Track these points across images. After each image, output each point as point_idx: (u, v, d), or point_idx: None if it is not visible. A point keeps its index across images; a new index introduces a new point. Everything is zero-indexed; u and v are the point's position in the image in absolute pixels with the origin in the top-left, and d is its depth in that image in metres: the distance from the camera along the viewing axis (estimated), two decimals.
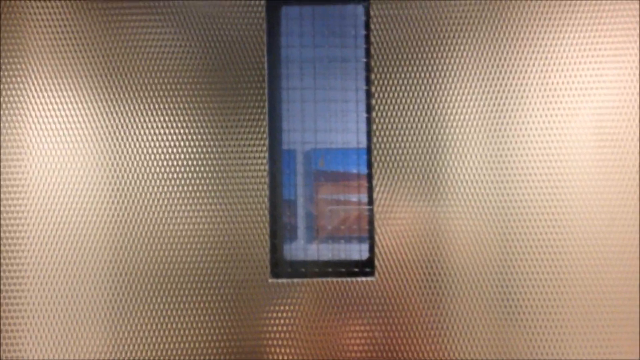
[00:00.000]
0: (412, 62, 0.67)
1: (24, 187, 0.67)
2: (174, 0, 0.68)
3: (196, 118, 0.67)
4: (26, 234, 0.67)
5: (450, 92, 0.67)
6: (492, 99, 0.67)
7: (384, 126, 0.67)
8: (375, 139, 0.67)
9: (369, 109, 0.68)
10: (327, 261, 0.68)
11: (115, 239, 0.66)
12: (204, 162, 0.67)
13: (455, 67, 0.67)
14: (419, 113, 0.67)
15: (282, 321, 0.66)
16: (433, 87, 0.67)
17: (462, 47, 0.67)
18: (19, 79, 0.68)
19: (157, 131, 0.67)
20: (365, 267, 0.68)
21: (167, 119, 0.67)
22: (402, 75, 0.67)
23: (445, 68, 0.67)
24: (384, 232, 0.66)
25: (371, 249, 0.68)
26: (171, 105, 0.67)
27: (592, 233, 0.66)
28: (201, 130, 0.67)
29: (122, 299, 0.66)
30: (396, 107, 0.67)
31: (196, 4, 0.68)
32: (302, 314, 0.66)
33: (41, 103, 0.67)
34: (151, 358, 0.66)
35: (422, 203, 0.67)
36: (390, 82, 0.67)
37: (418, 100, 0.67)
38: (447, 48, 0.67)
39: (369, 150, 0.68)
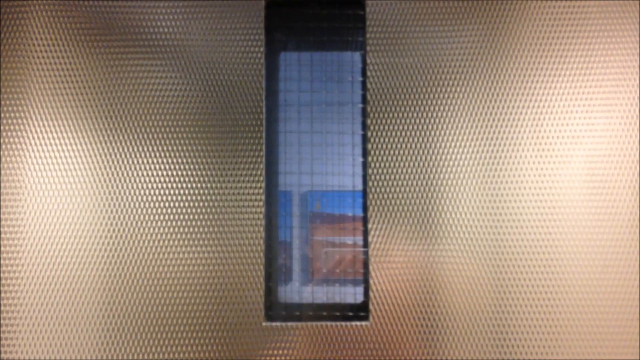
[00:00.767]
0: (408, 108, 0.69)
1: (22, 227, 0.67)
2: (174, 45, 0.69)
3: (194, 160, 0.68)
4: (23, 274, 0.66)
5: (445, 139, 0.68)
6: (486, 145, 0.68)
7: (380, 170, 0.68)
8: (370, 183, 0.68)
9: (365, 153, 0.69)
10: (322, 304, 0.68)
11: (110, 280, 0.66)
12: (201, 204, 0.67)
13: (449, 114, 0.68)
14: (414, 158, 0.68)
15: None
16: (428, 133, 0.68)
17: (456, 95, 0.69)
18: (19, 121, 0.69)
19: (154, 173, 0.68)
20: (360, 311, 0.68)
21: (164, 161, 0.68)
22: (398, 121, 0.68)
23: (439, 115, 0.68)
24: (378, 276, 0.67)
25: (366, 293, 0.68)
26: (169, 148, 0.68)
27: (585, 280, 0.66)
28: (198, 172, 0.68)
29: (116, 341, 0.66)
30: (392, 151, 0.68)
31: (197, 49, 0.69)
32: (296, 358, 0.65)
33: (40, 144, 0.68)
34: None
35: (417, 247, 0.67)
36: (386, 127, 0.68)
37: (413, 146, 0.68)
38: (441, 95, 0.69)
39: (364, 194, 0.69)
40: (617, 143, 0.68)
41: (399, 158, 0.68)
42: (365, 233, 0.68)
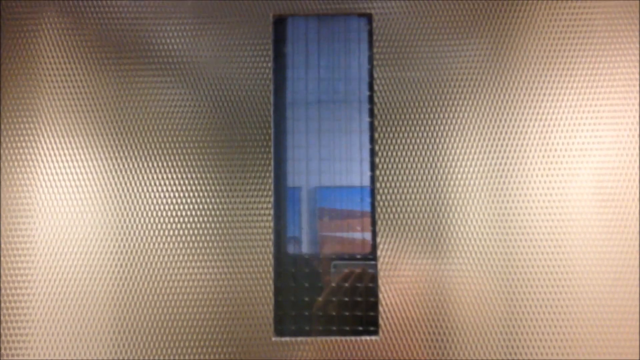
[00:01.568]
0: (415, 122, 0.69)
1: (32, 243, 0.67)
2: (183, 62, 0.70)
3: (202, 175, 0.68)
4: (32, 290, 0.67)
5: (453, 152, 0.68)
6: (494, 158, 0.68)
7: (388, 184, 0.68)
8: (379, 197, 0.68)
9: (373, 167, 0.69)
10: (331, 318, 0.68)
11: (119, 295, 0.67)
12: (210, 219, 0.68)
13: (457, 128, 0.69)
14: (422, 172, 0.68)
15: None
16: (436, 147, 0.68)
17: (464, 109, 0.69)
18: (30, 137, 0.69)
19: (164, 188, 0.68)
20: (369, 325, 0.68)
21: (174, 176, 0.68)
22: (406, 135, 0.69)
23: (447, 128, 0.69)
24: (388, 290, 0.67)
25: (375, 307, 0.67)
26: (178, 163, 0.69)
27: (595, 293, 0.66)
28: (207, 187, 0.68)
29: (125, 355, 0.66)
30: (399, 165, 0.68)
31: (205, 65, 0.70)
32: None
33: (52, 161, 0.69)
34: None
35: (427, 260, 0.67)
36: (394, 141, 0.69)
37: (421, 159, 0.68)
38: (449, 109, 0.69)
39: (372, 208, 0.69)
40: (626, 155, 0.67)
41: (407, 172, 0.68)
42: (374, 247, 0.68)
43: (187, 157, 0.69)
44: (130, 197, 0.68)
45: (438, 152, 0.68)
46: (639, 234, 0.66)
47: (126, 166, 0.69)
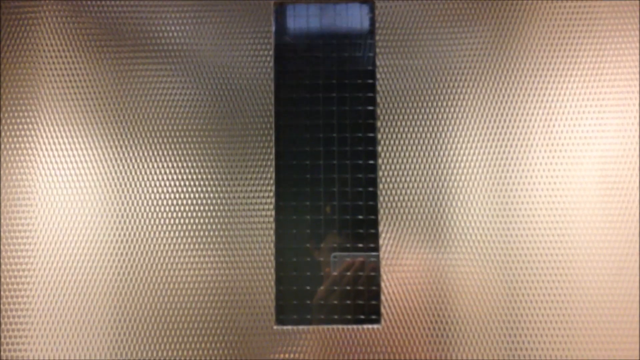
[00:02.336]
0: (418, 110, 0.68)
1: (32, 232, 0.67)
2: (183, 49, 0.69)
3: (203, 164, 0.68)
4: (32, 279, 0.67)
5: (456, 141, 0.68)
6: (497, 146, 0.68)
7: (390, 172, 0.68)
8: (381, 185, 0.68)
9: (376, 155, 0.69)
10: (334, 307, 0.68)
11: (120, 283, 0.66)
12: (211, 208, 0.67)
13: (460, 117, 0.68)
14: (425, 160, 0.68)
15: None
16: (439, 136, 0.68)
17: (467, 97, 0.68)
18: (29, 126, 0.69)
19: (164, 177, 0.68)
20: (371, 314, 0.68)
21: (174, 165, 0.68)
22: (408, 123, 0.68)
23: (450, 117, 0.68)
24: (390, 279, 0.66)
25: (377, 296, 0.67)
26: (179, 152, 0.68)
27: (598, 282, 0.65)
28: (208, 177, 0.68)
29: (126, 345, 0.66)
30: (402, 154, 0.68)
31: (206, 53, 0.69)
32: None
33: (51, 150, 0.68)
34: None
35: (428, 250, 0.67)
36: (396, 129, 0.68)
37: (424, 148, 0.68)
38: (452, 97, 0.68)
39: (375, 197, 0.68)
40: (630, 144, 0.67)
41: (410, 161, 0.68)
42: (376, 236, 0.68)
43: (188, 146, 0.68)
44: (131, 186, 0.68)
45: (441, 141, 0.68)
46: None
47: (126, 155, 0.68)
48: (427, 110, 0.68)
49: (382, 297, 0.66)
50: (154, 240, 0.67)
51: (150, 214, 0.67)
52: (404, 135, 0.68)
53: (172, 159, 0.68)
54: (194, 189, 0.68)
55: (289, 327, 0.66)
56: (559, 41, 0.69)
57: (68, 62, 0.69)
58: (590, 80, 0.68)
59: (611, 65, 0.68)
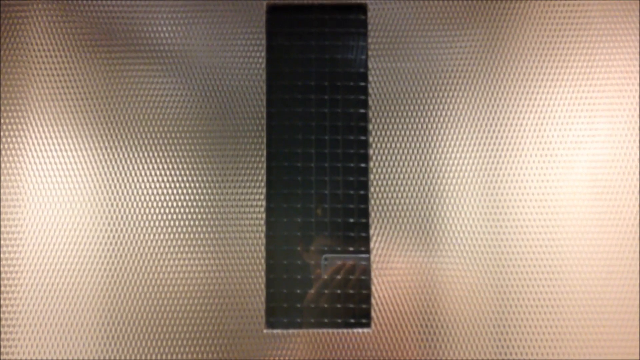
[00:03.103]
0: (410, 113, 0.68)
1: (21, 232, 0.66)
2: (175, 50, 0.69)
3: (194, 166, 0.67)
4: (20, 281, 0.66)
5: (448, 144, 0.68)
6: (488, 151, 0.68)
7: (382, 176, 0.67)
8: (372, 189, 0.67)
9: (367, 158, 0.69)
10: (324, 310, 0.67)
11: (109, 285, 0.66)
12: (201, 210, 0.67)
13: (452, 120, 0.68)
14: (416, 163, 0.68)
15: None
16: (430, 139, 0.68)
17: (458, 100, 0.68)
18: (18, 127, 0.68)
19: (154, 178, 0.67)
20: (362, 317, 0.67)
21: (165, 166, 0.68)
22: (400, 127, 0.68)
23: (442, 120, 0.68)
24: (380, 283, 0.66)
25: (367, 300, 0.67)
26: (169, 153, 0.68)
27: (589, 286, 0.65)
28: (199, 178, 0.67)
29: (115, 348, 0.65)
30: (394, 157, 0.68)
31: (197, 54, 0.69)
32: None
33: (40, 150, 0.68)
34: None
35: (420, 253, 0.66)
36: (388, 132, 0.68)
37: (416, 151, 0.68)
38: (444, 100, 0.68)
39: (366, 200, 0.68)
40: (620, 148, 0.67)
41: (402, 163, 0.68)
42: (367, 239, 0.68)
43: (178, 147, 0.68)
44: (120, 188, 0.67)
45: (432, 144, 0.68)
46: (635, 227, 0.66)
47: (116, 157, 0.68)
48: (419, 113, 0.68)
49: (373, 301, 0.66)
50: (143, 242, 0.66)
51: (139, 216, 0.67)
52: (395, 138, 0.68)
53: (163, 160, 0.68)
54: (185, 190, 0.67)
55: (279, 330, 0.66)
56: (550, 45, 0.69)
57: (58, 62, 0.69)
58: (581, 85, 0.68)
59: (602, 69, 0.68)
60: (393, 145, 0.68)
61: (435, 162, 0.68)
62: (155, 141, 0.68)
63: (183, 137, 0.68)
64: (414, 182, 0.67)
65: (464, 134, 0.68)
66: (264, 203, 0.67)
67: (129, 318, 0.65)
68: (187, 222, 0.67)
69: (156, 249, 0.66)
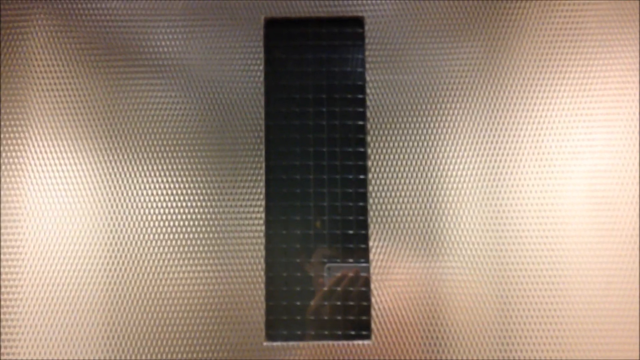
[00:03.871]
0: (408, 125, 0.69)
1: (20, 248, 0.67)
2: (174, 64, 0.69)
3: (193, 179, 0.68)
4: (20, 295, 0.66)
5: (446, 155, 0.68)
6: (487, 161, 0.68)
7: (381, 187, 0.68)
8: (371, 200, 0.67)
9: (366, 170, 0.69)
10: (324, 323, 0.67)
11: (109, 300, 0.66)
12: (201, 223, 0.67)
13: (450, 131, 0.68)
14: (414, 175, 0.68)
15: None
16: (429, 150, 0.68)
17: (456, 112, 0.69)
18: (19, 141, 0.69)
19: (154, 192, 0.68)
20: (362, 329, 0.67)
21: (164, 180, 0.68)
22: (398, 138, 0.68)
23: (440, 131, 0.68)
24: (380, 295, 0.66)
25: (367, 311, 0.67)
26: (169, 167, 0.68)
27: (588, 297, 0.65)
28: (198, 191, 0.68)
29: (115, 356, 0.65)
30: (392, 169, 0.68)
31: (196, 68, 0.69)
32: None
33: (40, 164, 0.68)
34: None
35: (419, 264, 0.66)
36: (386, 144, 0.68)
37: (414, 162, 0.68)
38: (442, 112, 0.69)
39: (365, 211, 0.68)
40: (619, 158, 0.67)
41: (400, 175, 0.68)
42: (366, 251, 0.68)
43: (177, 160, 0.68)
44: (120, 201, 0.68)
45: (431, 156, 0.68)
46: (634, 237, 0.66)
47: (116, 170, 0.68)
48: (417, 124, 0.69)
49: (373, 313, 0.66)
50: (143, 255, 0.67)
51: (139, 229, 0.67)
52: (394, 150, 0.68)
53: (162, 173, 0.68)
54: (184, 204, 0.67)
55: (279, 343, 0.66)
56: (547, 56, 0.69)
57: (58, 76, 0.69)
58: (579, 95, 0.68)
59: (600, 80, 0.69)
60: (391, 156, 0.68)
61: (434, 173, 0.68)
62: (155, 154, 0.68)
63: (182, 151, 0.68)
64: (412, 194, 0.67)
65: (463, 145, 0.68)
66: (263, 215, 0.67)
67: (129, 332, 0.65)
68: (186, 235, 0.67)
69: (156, 262, 0.66)
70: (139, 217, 0.67)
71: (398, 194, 0.67)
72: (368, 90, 0.69)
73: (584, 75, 0.69)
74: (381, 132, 0.68)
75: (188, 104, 0.69)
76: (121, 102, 0.69)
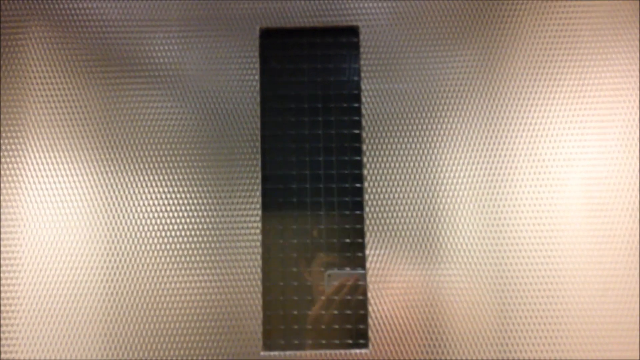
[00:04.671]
0: (404, 133, 0.69)
1: (18, 259, 0.67)
2: (170, 75, 0.70)
3: (190, 189, 0.68)
4: (17, 307, 0.66)
5: (442, 163, 0.68)
6: (482, 168, 0.68)
7: (377, 196, 0.68)
8: (367, 209, 0.68)
9: (362, 179, 0.69)
10: (321, 332, 0.67)
11: (106, 309, 0.66)
12: (198, 233, 0.67)
13: (445, 139, 0.69)
14: (411, 183, 0.68)
15: None
16: (425, 158, 0.68)
17: (451, 120, 0.69)
18: (16, 153, 0.69)
19: (151, 202, 0.68)
20: (359, 338, 0.67)
21: (161, 190, 0.68)
22: (394, 147, 0.69)
23: (436, 139, 0.69)
24: (377, 303, 0.66)
25: (364, 320, 0.67)
26: (165, 177, 0.68)
27: (584, 302, 0.65)
28: (195, 201, 0.68)
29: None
30: (388, 177, 0.68)
31: (192, 78, 0.70)
32: None
33: (38, 174, 0.68)
34: None
35: (417, 272, 0.66)
36: (382, 153, 0.69)
37: (410, 171, 0.68)
38: (437, 120, 0.69)
39: (362, 220, 0.68)
40: (614, 165, 0.68)
41: (396, 183, 0.68)
42: (363, 259, 0.68)
43: (174, 170, 0.68)
44: (117, 210, 0.68)
45: (427, 163, 0.68)
46: (630, 243, 0.66)
47: (113, 179, 0.68)
48: (412, 133, 0.69)
49: (370, 321, 0.66)
50: (140, 265, 0.67)
51: (136, 239, 0.67)
52: (389, 158, 0.68)
53: (159, 183, 0.68)
54: (180, 213, 0.67)
55: (276, 352, 0.66)
56: (542, 64, 0.69)
57: (56, 87, 0.70)
58: (574, 103, 0.69)
59: (595, 87, 0.69)
60: (387, 165, 0.68)
61: (430, 181, 0.68)
62: (151, 164, 0.68)
63: (179, 160, 0.68)
64: (409, 202, 0.68)
65: (458, 153, 0.68)
66: (259, 225, 0.67)
67: (126, 341, 0.65)
68: (183, 245, 0.67)
69: (152, 272, 0.66)
70: (136, 227, 0.67)
71: (394, 202, 0.68)
72: (363, 99, 0.69)
73: (579, 82, 0.69)
74: (377, 140, 0.69)
75: (184, 114, 0.69)
76: (118, 113, 0.69)
